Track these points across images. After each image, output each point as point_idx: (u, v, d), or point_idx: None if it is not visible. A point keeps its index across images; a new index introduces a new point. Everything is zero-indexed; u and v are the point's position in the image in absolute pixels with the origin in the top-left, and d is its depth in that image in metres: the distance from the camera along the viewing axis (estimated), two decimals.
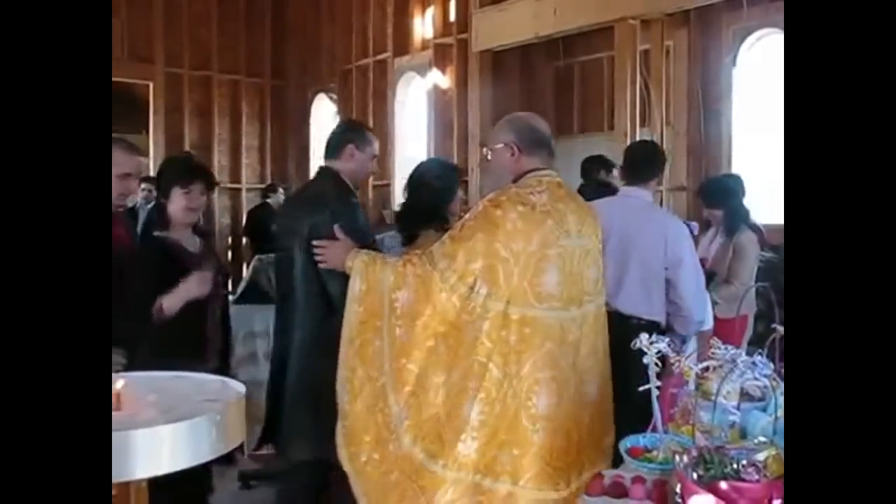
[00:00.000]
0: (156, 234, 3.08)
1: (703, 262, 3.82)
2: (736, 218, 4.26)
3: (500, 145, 2.57)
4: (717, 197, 4.39)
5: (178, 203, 3.01)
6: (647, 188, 3.54)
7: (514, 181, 2.50)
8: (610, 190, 4.69)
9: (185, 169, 3.18)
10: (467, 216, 2.45)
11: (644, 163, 3.60)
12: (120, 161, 2.83)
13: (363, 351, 2.44)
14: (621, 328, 3.17)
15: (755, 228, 4.67)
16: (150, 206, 7.59)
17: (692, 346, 3.70)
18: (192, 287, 2.87)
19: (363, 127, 3.59)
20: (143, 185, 7.48)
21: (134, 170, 2.97)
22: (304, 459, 2.99)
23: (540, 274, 2.33)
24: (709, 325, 3.85)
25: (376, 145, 3.30)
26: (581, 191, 4.83)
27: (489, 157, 2.66)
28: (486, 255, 2.31)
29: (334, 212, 2.90)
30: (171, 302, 2.81)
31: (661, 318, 3.38)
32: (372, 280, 2.46)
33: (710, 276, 4.06)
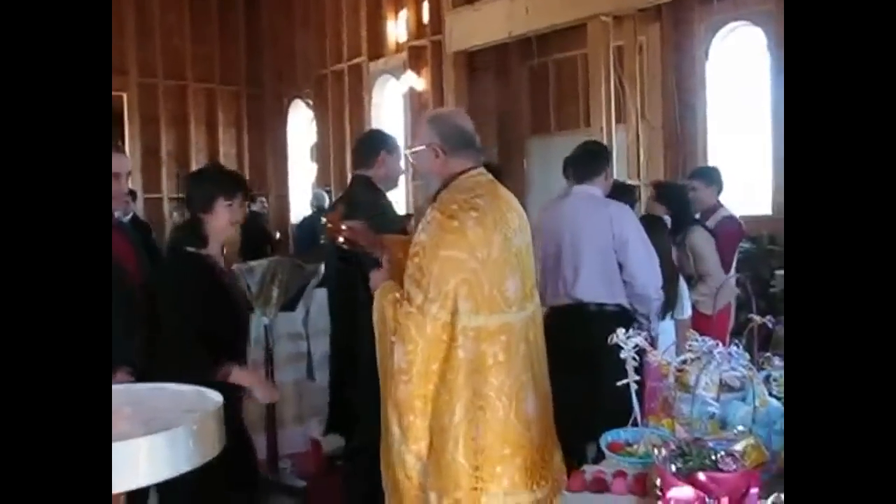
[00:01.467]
0: (190, 250, 2.82)
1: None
2: (683, 216, 4.30)
3: (423, 147, 2.41)
4: (667, 195, 4.43)
5: (222, 217, 2.80)
6: (593, 185, 3.66)
7: (445, 184, 2.38)
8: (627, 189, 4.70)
9: (228, 180, 2.95)
10: (420, 233, 2.30)
11: (589, 161, 3.74)
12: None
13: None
14: (587, 316, 3.38)
15: (733, 220, 4.71)
16: (127, 218, 7.51)
17: (671, 335, 3.74)
18: (262, 391, 2.80)
19: (387, 134, 3.71)
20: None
21: (121, 169, 2.79)
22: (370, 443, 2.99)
23: (504, 279, 2.28)
24: (687, 313, 3.91)
25: (401, 148, 3.41)
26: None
27: (414, 160, 2.50)
28: (455, 271, 2.22)
29: (370, 217, 2.93)
30: (237, 377, 2.70)
31: (623, 301, 3.47)
32: (380, 317, 2.37)
33: (688, 280, 4.11)
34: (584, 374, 3.09)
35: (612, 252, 3.44)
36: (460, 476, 2.22)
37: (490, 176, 2.46)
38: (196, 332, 2.66)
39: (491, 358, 2.25)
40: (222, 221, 2.80)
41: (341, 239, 2.82)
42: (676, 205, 4.30)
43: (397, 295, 2.31)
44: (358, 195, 3.29)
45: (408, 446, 2.27)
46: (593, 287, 3.45)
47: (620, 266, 3.45)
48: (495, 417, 2.24)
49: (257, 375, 2.85)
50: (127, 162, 2.84)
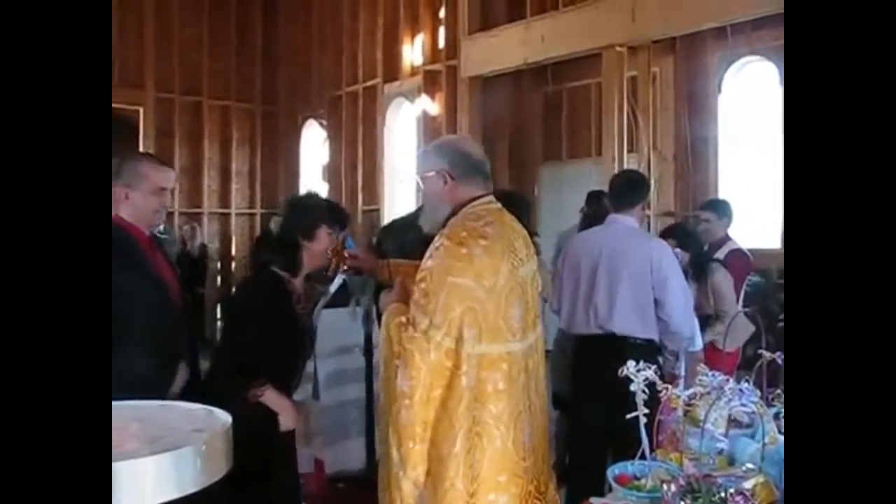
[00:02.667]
0: (278, 272, 2.87)
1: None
2: (701, 260, 4.30)
3: (432, 173, 2.41)
4: (684, 237, 4.41)
5: (322, 243, 2.89)
6: (632, 214, 3.65)
7: (455, 211, 2.39)
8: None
9: (332, 210, 3.10)
10: (428, 259, 2.30)
11: (628, 191, 3.71)
12: (150, 176, 2.71)
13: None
14: (619, 349, 3.27)
15: (741, 254, 4.70)
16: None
17: (683, 367, 3.74)
18: (288, 417, 2.83)
19: None
20: None
21: (169, 184, 2.80)
22: None
23: (509, 308, 2.28)
24: (698, 346, 3.89)
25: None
26: (587, 217, 5.12)
27: (421, 185, 2.49)
28: (462, 298, 2.21)
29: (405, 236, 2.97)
30: (269, 398, 2.75)
31: (654, 336, 3.46)
32: (387, 340, 2.36)
33: (705, 318, 4.10)
34: (611, 405, 3.08)
35: (650, 288, 3.42)
36: (456, 503, 2.20)
37: (499, 204, 2.46)
38: (253, 351, 2.69)
39: (491, 385, 2.25)
40: (320, 249, 2.87)
41: (344, 266, 2.86)
42: (690, 244, 4.28)
43: (403, 319, 2.30)
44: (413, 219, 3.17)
45: (405, 472, 2.25)
46: (628, 321, 3.43)
47: (656, 302, 3.43)
48: (492, 445, 2.23)
49: (287, 402, 2.86)
50: (174, 176, 2.85)
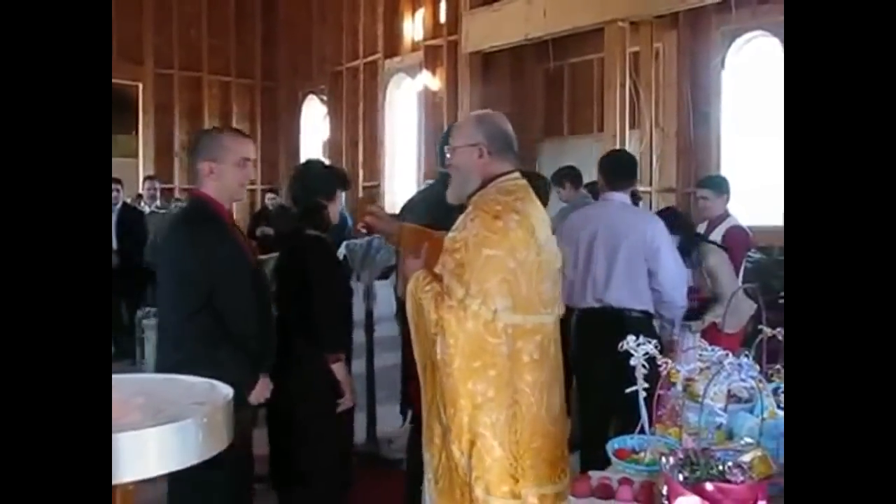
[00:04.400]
0: (315, 233, 3.08)
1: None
2: (689, 245, 4.31)
3: (468, 146, 2.45)
4: (674, 224, 4.42)
5: (338, 204, 3.16)
6: (623, 192, 3.78)
7: (484, 184, 2.42)
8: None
9: (342, 173, 3.46)
10: (461, 227, 2.34)
11: (619, 170, 3.85)
12: (234, 147, 2.72)
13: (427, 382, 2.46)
14: (616, 322, 3.39)
15: (740, 230, 4.69)
16: (117, 206, 7.58)
17: (690, 340, 3.77)
18: (349, 395, 3.03)
19: None
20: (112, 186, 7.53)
21: (252, 154, 2.81)
22: None
23: (541, 281, 2.35)
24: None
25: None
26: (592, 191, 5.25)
27: (451, 157, 2.53)
28: (496, 270, 2.26)
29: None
30: (338, 370, 2.98)
31: (649, 307, 3.58)
32: (416, 307, 2.40)
33: (704, 302, 4.12)
34: (612, 377, 3.14)
35: (644, 260, 3.53)
36: (504, 469, 2.29)
37: (525, 181, 2.50)
38: (335, 309, 2.95)
39: (527, 356, 2.33)
40: (336, 209, 3.11)
41: (360, 224, 2.95)
42: (678, 229, 4.29)
43: (438, 288, 2.34)
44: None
45: (451, 438, 2.32)
46: (624, 293, 3.55)
47: (649, 273, 3.54)
48: (529, 412, 2.33)
49: (350, 379, 3.04)
50: (254, 147, 2.88)
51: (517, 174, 2.48)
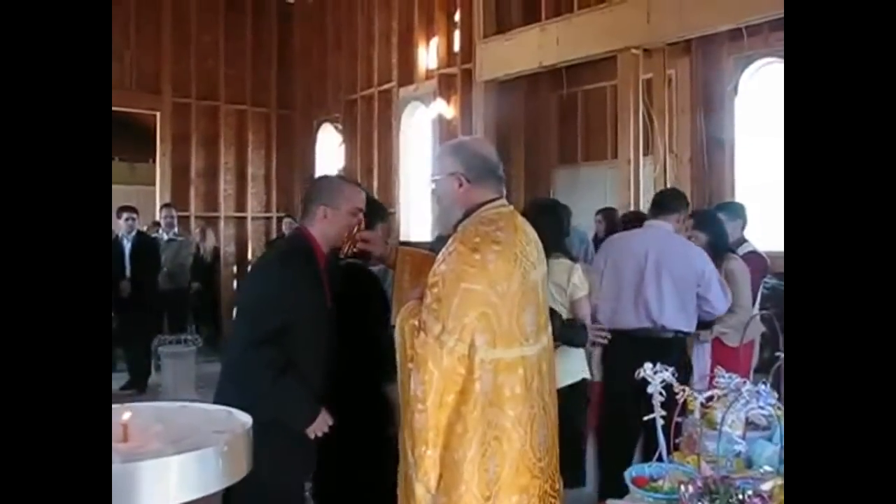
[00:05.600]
0: (359, 263, 3.20)
1: None
2: (720, 244, 4.34)
3: (446, 176, 2.41)
4: (705, 221, 4.47)
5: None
6: (668, 221, 4.09)
7: (467, 214, 2.38)
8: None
9: (383, 208, 3.57)
10: (441, 263, 2.29)
11: (668, 201, 4.26)
12: (351, 197, 2.87)
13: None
14: (665, 342, 3.81)
15: (757, 255, 4.68)
16: (132, 234, 7.65)
17: (701, 351, 4.12)
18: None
19: None
20: (125, 216, 7.61)
21: (363, 205, 2.95)
22: None
23: (522, 313, 2.28)
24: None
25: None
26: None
27: (433, 188, 2.50)
28: (475, 304, 2.21)
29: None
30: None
31: (693, 328, 4.00)
32: (401, 339, 2.36)
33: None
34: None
35: (693, 286, 3.90)
36: None
37: (511, 207, 2.46)
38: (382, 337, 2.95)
39: (508, 390, 2.25)
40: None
41: (354, 249, 2.94)
42: (712, 230, 4.38)
43: (416, 322, 2.30)
44: None
45: (417, 476, 2.26)
46: (677, 318, 3.89)
47: (699, 297, 3.93)
48: (512, 448, 2.25)
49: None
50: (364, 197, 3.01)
51: (501, 201, 2.43)
